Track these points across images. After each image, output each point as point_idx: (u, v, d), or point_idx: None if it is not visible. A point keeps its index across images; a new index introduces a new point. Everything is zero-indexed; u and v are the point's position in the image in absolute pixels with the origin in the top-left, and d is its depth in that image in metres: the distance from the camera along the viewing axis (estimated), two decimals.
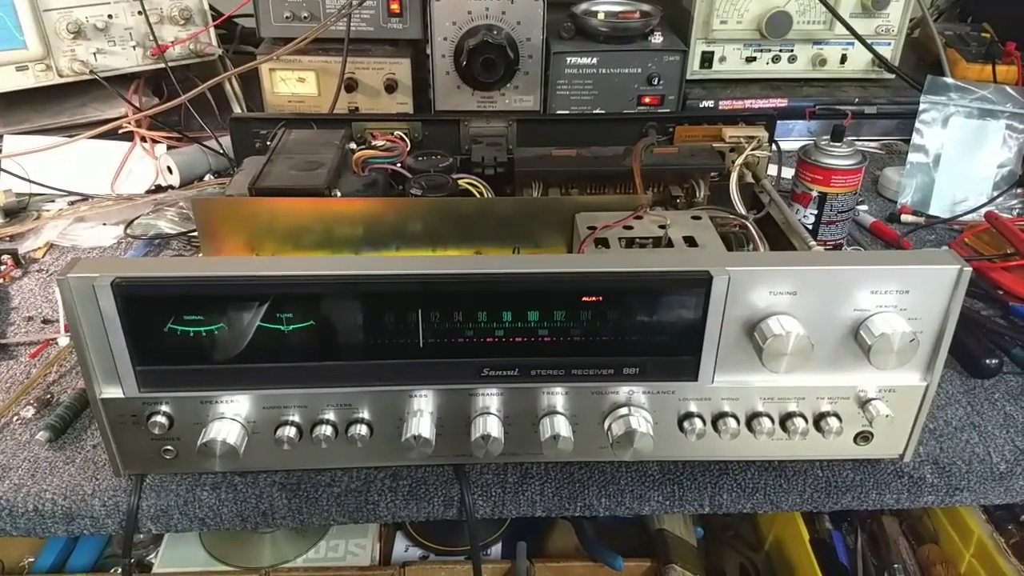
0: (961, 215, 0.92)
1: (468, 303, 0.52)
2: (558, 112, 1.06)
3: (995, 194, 0.93)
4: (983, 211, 0.91)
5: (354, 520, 0.62)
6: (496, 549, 1.08)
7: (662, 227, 0.63)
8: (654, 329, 0.53)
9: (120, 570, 1.06)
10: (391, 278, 0.51)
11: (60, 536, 0.65)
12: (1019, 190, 0.94)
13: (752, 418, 0.57)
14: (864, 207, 0.95)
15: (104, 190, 1.00)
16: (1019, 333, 0.71)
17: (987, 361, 0.68)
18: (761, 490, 0.61)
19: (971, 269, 0.51)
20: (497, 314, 0.53)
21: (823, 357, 0.54)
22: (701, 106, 1.10)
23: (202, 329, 0.52)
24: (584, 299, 0.52)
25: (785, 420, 0.57)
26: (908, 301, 0.52)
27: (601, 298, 0.52)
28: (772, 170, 0.78)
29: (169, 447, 0.57)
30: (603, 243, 0.62)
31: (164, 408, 0.55)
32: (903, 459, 0.60)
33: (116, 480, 0.60)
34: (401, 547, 1.08)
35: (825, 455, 0.60)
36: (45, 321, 0.78)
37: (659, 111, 1.07)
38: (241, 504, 0.60)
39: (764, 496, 0.61)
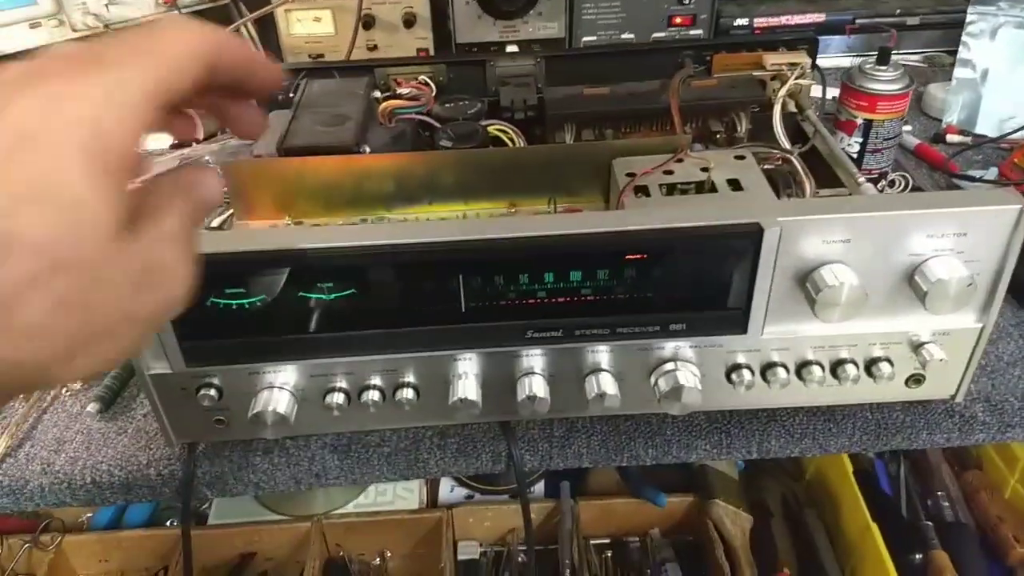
0: (1010, 133, 0.88)
1: (509, 267, 0.51)
2: (585, 40, 1.02)
3: None
4: None
5: (405, 477, 0.63)
6: (539, 487, 1.10)
7: (704, 170, 0.61)
8: (702, 284, 0.52)
9: (175, 522, 1.10)
10: (429, 246, 0.50)
11: (118, 503, 0.67)
12: None
13: (802, 367, 0.56)
14: (907, 127, 0.92)
15: None
16: None
17: None
18: (810, 435, 0.60)
19: None
20: (539, 276, 0.52)
21: (876, 303, 0.52)
22: (735, 24, 1.05)
23: (244, 302, 0.52)
24: (628, 257, 0.51)
25: (836, 367, 0.56)
26: (965, 244, 0.50)
27: (646, 255, 0.50)
28: (815, 91, 0.74)
29: (220, 417, 0.58)
30: (643, 191, 0.60)
31: (213, 380, 0.56)
32: (955, 399, 0.59)
33: (169, 448, 0.61)
34: (447, 488, 1.11)
35: (875, 399, 0.59)
36: None
37: (691, 32, 1.02)
38: (294, 467, 0.61)
39: (813, 440, 0.60)
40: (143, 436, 0.62)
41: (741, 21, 1.06)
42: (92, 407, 0.64)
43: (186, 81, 0.29)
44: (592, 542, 1.12)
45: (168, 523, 1.14)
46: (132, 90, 0.27)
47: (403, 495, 1.08)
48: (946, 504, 1.04)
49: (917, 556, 0.97)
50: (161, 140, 0.99)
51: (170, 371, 0.55)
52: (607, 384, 0.55)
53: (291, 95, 0.75)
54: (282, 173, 0.66)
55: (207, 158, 0.95)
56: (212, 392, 0.55)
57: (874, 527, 0.96)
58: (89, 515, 1.15)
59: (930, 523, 1.02)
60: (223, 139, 0.99)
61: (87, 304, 0.26)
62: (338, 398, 0.56)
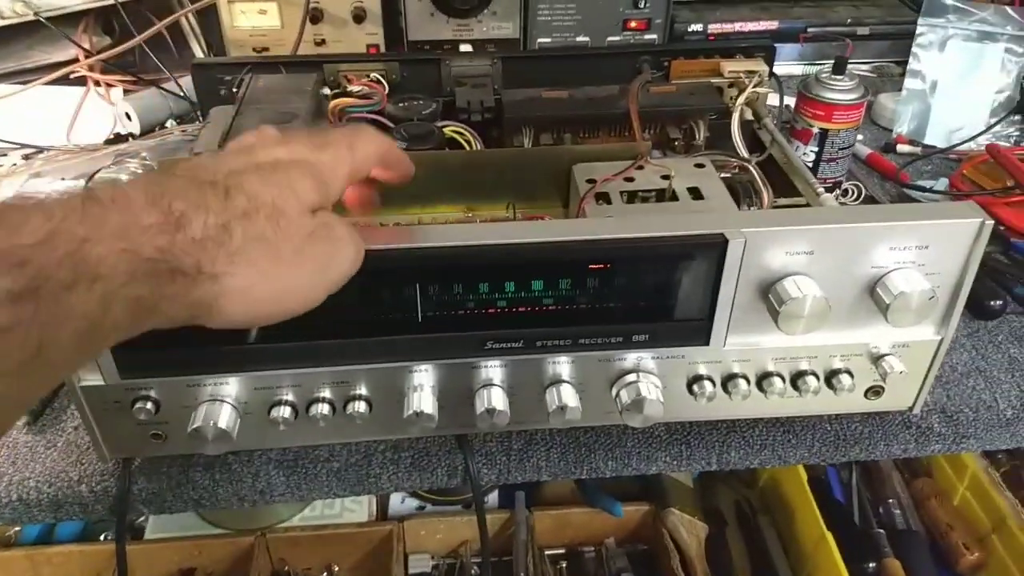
0: (958, 144, 0.90)
1: (468, 275, 0.49)
2: (540, 41, 1.01)
3: (992, 121, 0.90)
4: (980, 139, 0.89)
5: (356, 493, 0.60)
6: (493, 497, 1.08)
7: (665, 178, 0.60)
8: (665, 295, 0.51)
9: (110, 536, 1.05)
10: (385, 252, 0.47)
11: (47, 522, 0.63)
12: (1017, 117, 0.91)
13: (763, 378, 0.55)
14: (859, 137, 0.92)
15: (59, 141, 0.94)
16: (1022, 271, 0.70)
17: (991, 302, 0.67)
18: (769, 446, 0.60)
19: (992, 222, 0.49)
20: (499, 285, 0.50)
21: (837, 315, 0.52)
22: (690, 30, 1.05)
23: None
24: (591, 267, 0.49)
25: (796, 379, 0.55)
26: (927, 256, 0.50)
27: (609, 265, 0.49)
28: (771, 98, 0.74)
29: (158, 431, 0.54)
30: (604, 198, 0.59)
31: (149, 393, 0.52)
32: (912, 411, 0.59)
33: (103, 464, 0.57)
34: (398, 498, 1.08)
35: (834, 410, 0.59)
36: None
37: (646, 37, 1.02)
38: (237, 484, 0.58)
39: (772, 452, 0.60)
40: (74, 450, 0.58)
41: (695, 27, 1.06)
42: None
43: (367, 170, 0.45)
44: (547, 552, 1.11)
45: (102, 537, 1.08)
46: (340, 166, 0.42)
47: (351, 507, 1.05)
48: (897, 511, 1.06)
49: (870, 564, 0.98)
50: (97, 133, 0.95)
51: (103, 383, 0.51)
52: (568, 396, 0.53)
53: (235, 90, 0.71)
54: None
55: (144, 154, 0.90)
56: (148, 405, 0.52)
57: (829, 536, 0.97)
58: (17, 529, 1.09)
59: (882, 531, 1.04)
60: (160, 134, 0.95)
61: (276, 242, 0.36)
62: (284, 412, 0.53)
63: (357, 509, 1.05)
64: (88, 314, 0.31)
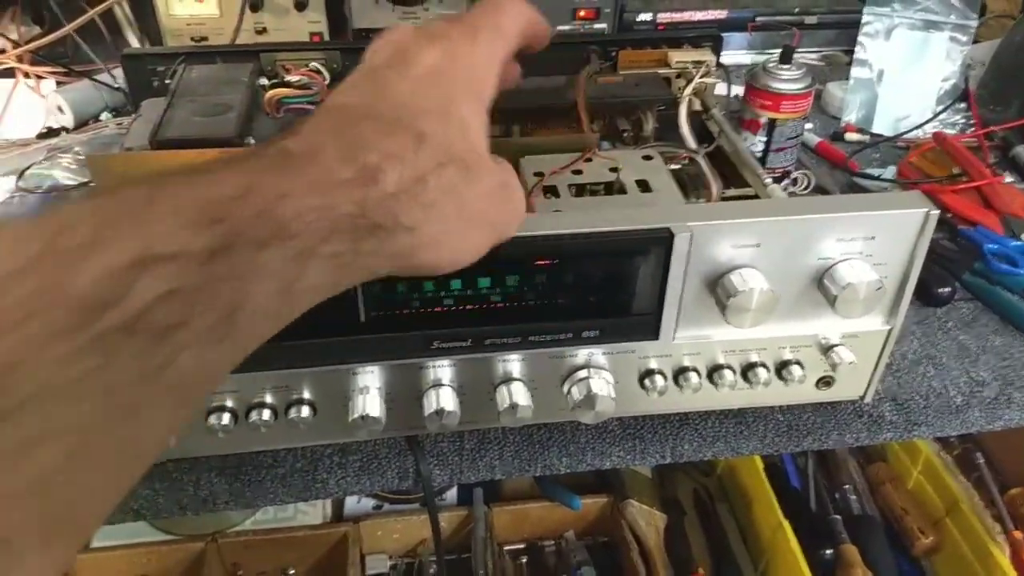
0: (905, 132, 0.90)
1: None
2: None
3: (939, 109, 0.91)
4: (927, 127, 0.89)
5: (303, 499, 0.58)
6: (451, 494, 1.07)
7: (613, 170, 0.59)
8: (613, 290, 0.50)
9: None
10: None
11: None
12: (962, 105, 0.92)
13: (713, 371, 0.54)
14: (809, 125, 0.93)
15: None
16: (969, 258, 0.71)
17: (939, 289, 0.68)
18: (722, 438, 0.59)
19: (938, 212, 0.49)
20: (444, 282, 0.48)
21: (785, 307, 0.52)
22: (639, 19, 1.04)
23: None
24: (538, 263, 0.48)
25: (747, 371, 0.55)
26: (874, 247, 0.50)
27: (557, 261, 0.48)
28: (719, 88, 0.73)
29: None
30: (552, 191, 0.57)
31: None
32: (863, 400, 0.59)
33: None
34: (353, 499, 1.06)
35: (786, 401, 0.59)
36: None
37: (595, 26, 1.01)
38: (178, 492, 0.55)
39: (725, 443, 0.60)
40: None
41: (644, 16, 1.05)
42: None
43: (516, 48, 0.42)
44: (506, 548, 1.10)
45: None
46: (495, 53, 0.40)
47: (305, 509, 1.02)
48: (853, 497, 1.07)
49: (827, 551, 0.99)
50: (28, 127, 0.91)
51: None
52: (519, 394, 0.52)
53: (167, 82, 0.68)
54: (156, 168, 0.59)
55: (77, 148, 0.87)
56: None
57: (786, 524, 0.97)
58: None
59: (838, 516, 1.05)
60: (94, 127, 0.91)
61: (463, 194, 0.35)
62: (223, 418, 0.51)
63: (311, 511, 1.03)
64: (282, 274, 0.29)
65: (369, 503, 1.07)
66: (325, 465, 0.57)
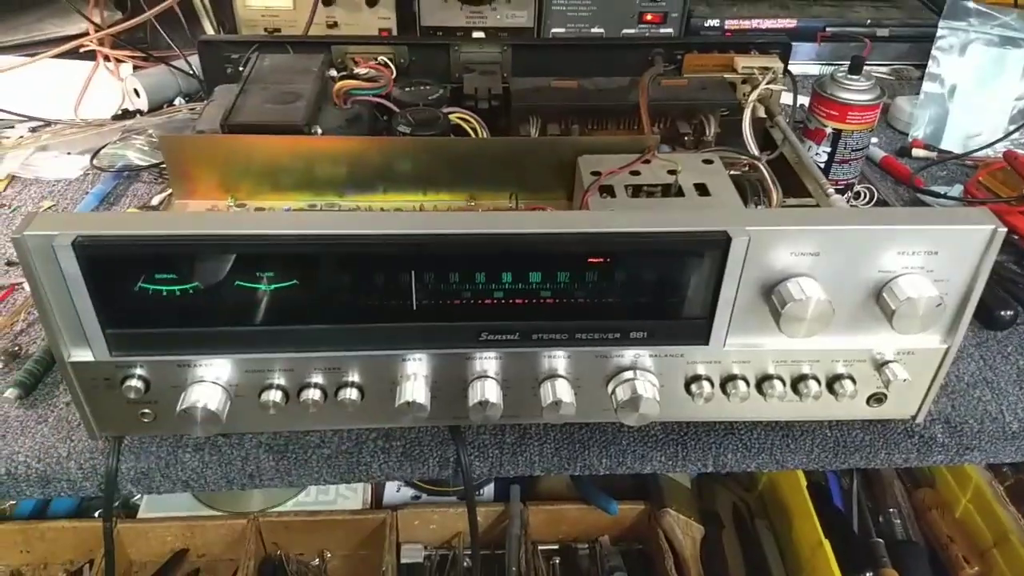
0: (975, 151, 0.88)
1: (465, 264, 0.48)
2: (554, 31, 0.99)
3: (1011, 128, 0.88)
4: (997, 147, 0.87)
5: (345, 481, 0.59)
6: (488, 489, 1.08)
7: (672, 173, 0.59)
8: (665, 291, 0.50)
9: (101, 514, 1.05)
10: (380, 238, 0.46)
11: (36, 498, 0.62)
12: None
13: (763, 381, 0.54)
14: (875, 139, 0.91)
15: (67, 115, 0.94)
16: None
17: (1001, 312, 0.66)
18: (767, 450, 0.59)
19: (1005, 230, 0.47)
20: (496, 275, 0.49)
21: (841, 319, 0.51)
22: (706, 25, 1.03)
23: (175, 288, 0.48)
24: (590, 260, 0.48)
25: (797, 382, 0.54)
26: (936, 262, 0.48)
27: (609, 259, 0.48)
28: (784, 97, 0.72)
29: (147, 410, 0.54)
30: (608, 191, 0.58)
31: (139, 371, 0.52)
32: (915, 420, 0.58)
33: (92, 441, 0.57)
34: (392, 488, 1.08)
35: (835, 416, 0.58)
36: (10, 263, 0.73)
37: (661, 30, 1.00)
38: (226, 466, 0.57)
39: (770, 456, 0.59)
40: (65, 426, 0.58)
41: (712, 22, 1.04)
42: (11, 392, 0.59)
43: None
44: (540, 547, 1.10)
45: (96, 514, 1.08)
46: None
47: (346, 494, 1.04)
48: (897, 521, 1.05)
49: (868, 574, 0.97)
50: (104, 108, 0.94)
51: (92, 359, 0.50)
52: (563, 391, 0.52)
53: (240, 69, 0.71)
54: (225, 151, 0.62)
55: (150, 131, 0.90)
56: (138, 384, 0.51)
57: (826, 544, 0.95)
58: (12, 503, 1.09)
59: (881, 540, 1.02)
60: (168, 111, 0.94)
61: None
62: (275, 396, 0.52)
63: (352, 496, 1.04)
64: None
65: (408, 493, 1.08)
66: (369, 449, 0.58)
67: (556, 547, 1.12)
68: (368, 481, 0.60)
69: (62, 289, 0.47)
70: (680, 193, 0.58)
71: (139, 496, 1.06)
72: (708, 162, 0.61)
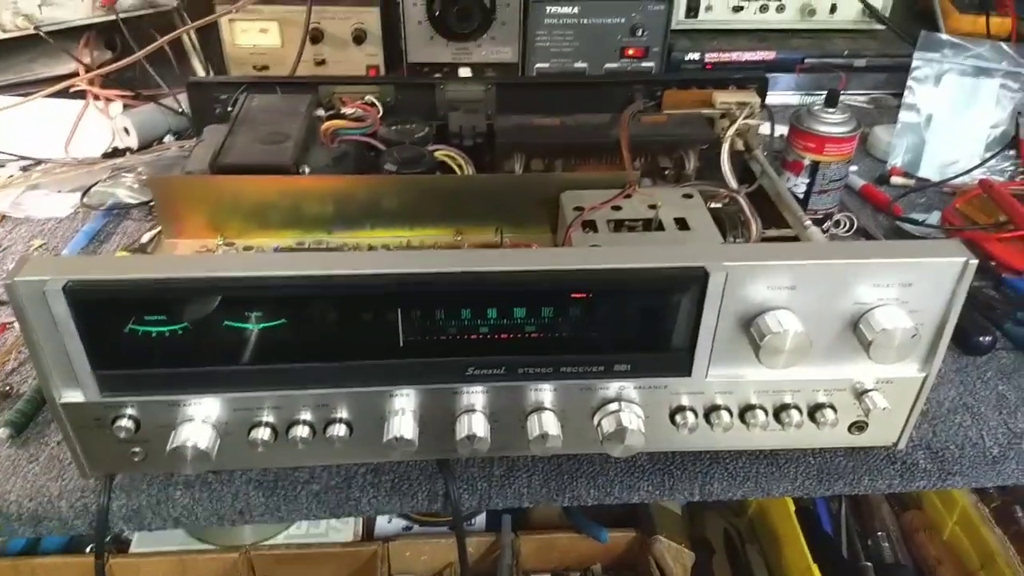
0: (952, 178, 0.90)
1: (451, 302, 0.49)
2: (538, 66, 1.01)
3: (987, 155, 0.90)
4: (974, 173, 0.89)
5: (335, 516, 0.59)
6: (480, 519, 1.08)
7: (652, 207, 0.60)
8: (647, 325, 0.51)
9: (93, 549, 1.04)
10: (366, 279, 0.47)
11: (27, 536, 0.62)
12: (1011, 152, 0.91)
13: (746, 411, 0.55)
14: (853, 168, 0.93)
15: (57, 153, 0.95)
16: (1012, 307, 0.70)
17: (980, 338, 0.67)
18: (752, 478, 0.59)
19: (976, 261, 0.49)
20: (482, 311, 0.50)
21: (820, 350, 0.52)
22: (687, 59, 1.06)
23: (164, 329, 0.49)
24: (573, 296, 0.49)
25: (779, 412, 0.55)
26: (911, 294, 0.50)
27: (592, 295, 0.49)
28: (763, 128, 0.74)
29: (137, 449, 0.54)
30: (591, 226, 0.59)
31: (129, 411, 0.52)
32: (897, 447, 0.59)
33: (83, 480, 0.57)
34: (384, 519, 1.08)
35: (818, 444, 0.59)
36: (1, 303, 0.73)
37: (643, 64, 1.02)
38: (217, 503, 0.57)
39: (755, 484, 0.60)
40: (56, 465, 0.58)
41: (692, 56, 1.07)
42: (2, 432, 0.59)
43: None
44: None
45: (88, 549, 1.07)
46: None
47: (337, 526, 1.04)
48: (886, 544, 1.05)
49: None
50: (95, 146, 0.95)
51: (83, 400, 0.51)
52: (549, 424, 0.53)
53: (229, 109, 0.72)
54: (214, 191, 0.63)
55: (140, 168, 0.91)
56: (128, 423, 0.52)
57: (815, 569, 0.96)
58: (2, 539, 1.08)
59: (870, 564, 1.02)
60: (158, 149, 0.96)
61: None
62: (264, 433, 0.53)
63: (343, 528, 1.04)
64: None
65: (399, 524, 1.08)
66: (358, 484, 0.58)
67: None
68: (358, 515, 0.60)
69: (53, 332, 0.48)
70: (660, 227, 0.59)
71: (131, 531, 1.06)
72: (688, 196, 0.63)
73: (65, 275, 0.46)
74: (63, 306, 0.46)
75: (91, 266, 0.48)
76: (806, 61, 1.07)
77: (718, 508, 1.15)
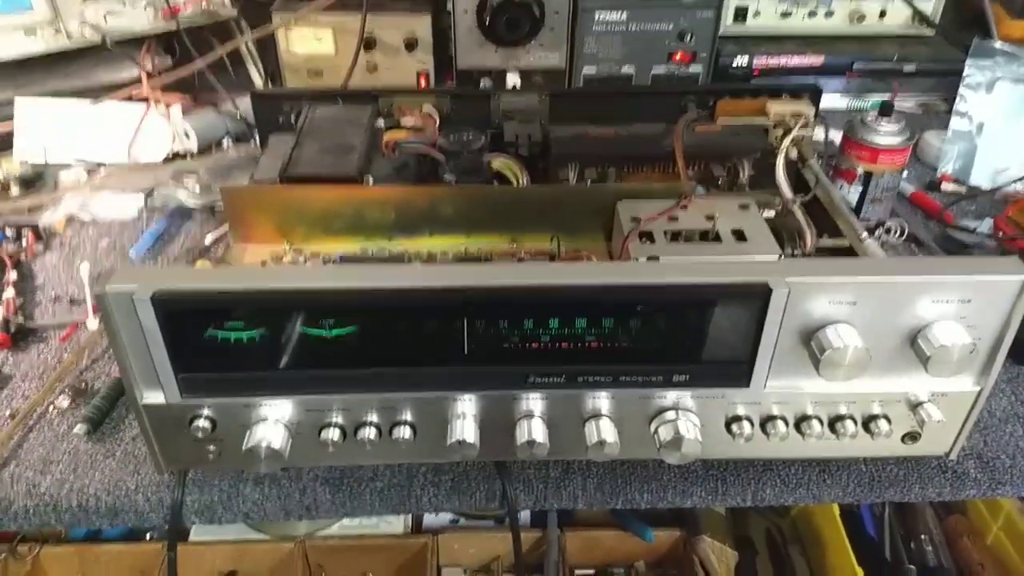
0: (1004, 185, 0.89)
1: (514, 313, 0.51)
2: (586, 71, 1.02)
3: None
4: None
5: (396, 512, 0.62)
6: (525, 515, 1.10)
7: (709, 218, 0.61)
8: (707, 338, 0.52)
9: (155, 535, 1.08)
10: (436, 292, 0.49)
11: (104, 528, 0.65)
12: None
13: (801, 421, 0.56)
14: (904, 174, 0.92)
15: (120, 156, 0.98)
16: None
17: None
18: (804, 485, 0.60)
19: None
20: (544, 322, 0.51)
21: (877, 363, 0.52)
22: (734, 64, 1.06)
23: (243, 335, 0.51)
24: (633, 309, 0.50)
25: (834, 423, 0.56)
26: (969, 310, 0.50)
27: (651, 309, 0.50)
28: (817, 133, 0.75)
29: (212, 447, 0.57)
30: (648, 236, 0.60)
31: (207, 412, 0.55)
32: (948, 456, 0.59)
33: (158, 475, 0.60)
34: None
35: (871, 453, 0.60)
36: (72, 301, 0.77)
37: (690, 69, 1.03)
38: (285, 499, 0.60)
39: (807, 490, 0.61)
40: (131, 460, 0.61)
41: (740, 60, 1.07)
42: (80, 428, 0.62)
43: None
44: (577, 572, 1.12)
45: (148, 536, 1.12)
46: None
47: (388, 518, 1.07)
48: (929, 548, 1.05)
49: None
50: (156, 149, 0.98)
51: (164, 402, 0.54)
52: (607, 431, 0.54)
53: (292, 119, 0.74)
54: (283, 200, 0.65)
55: (200, 171, 0.94)
56: (206, 424, 0.55)
57: (859, 571, 0.96)
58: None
59: (913, 567, 1.03)
60: (217, 153, 0.99)
61: None
62: (333, 434, 0.55)
63: (394, 520, 1.07)
64: None
65: (446, 517, 1.10)
66: (419, 482, 0.60)
67: (592, 572, 1.13)
68: (419, 512, 0.62)
69: (139, 338, 0.50)
70: (718, 238, 0.60)
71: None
72: (744, 207, 0.64)
73: (152, 285, 0.49)
74: (150, 314, 0.49)
75: (177, 277, 0.50)
76: (856, 67, 1.06)
77: (761, 508, 1.16)
